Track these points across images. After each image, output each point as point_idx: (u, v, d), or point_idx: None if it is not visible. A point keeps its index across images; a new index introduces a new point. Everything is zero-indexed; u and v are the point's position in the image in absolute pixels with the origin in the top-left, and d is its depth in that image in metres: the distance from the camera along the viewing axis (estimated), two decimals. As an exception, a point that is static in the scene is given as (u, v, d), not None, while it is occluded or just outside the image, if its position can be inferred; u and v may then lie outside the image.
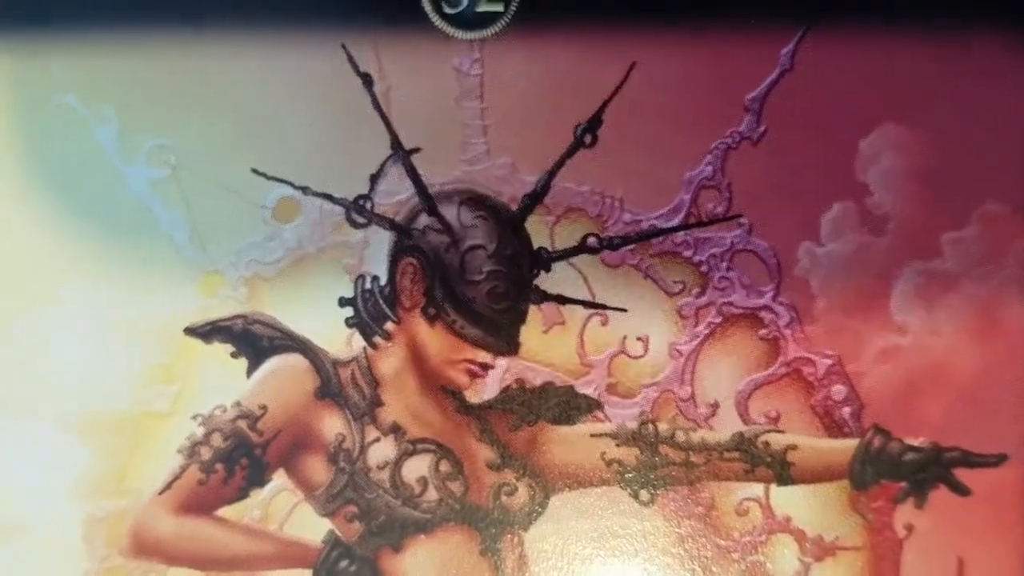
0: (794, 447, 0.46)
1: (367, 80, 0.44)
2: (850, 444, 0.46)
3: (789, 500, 0.47)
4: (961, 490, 0.46)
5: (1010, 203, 0.45)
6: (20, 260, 0.46)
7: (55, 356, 0.46)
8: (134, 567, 0.47)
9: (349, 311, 0.47)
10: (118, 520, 0.47)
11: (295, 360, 0.47)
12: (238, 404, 0.46)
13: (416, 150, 0.45)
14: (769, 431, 0.46)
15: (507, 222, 0.46)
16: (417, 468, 0.46)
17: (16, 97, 0.45)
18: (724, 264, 0.46)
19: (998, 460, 0.46)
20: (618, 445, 0.47)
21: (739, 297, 0.46)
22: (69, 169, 0.45)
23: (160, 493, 0.46)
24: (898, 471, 0.46)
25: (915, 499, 0.46)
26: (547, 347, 0.47)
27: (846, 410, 0.46)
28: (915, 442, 0.46)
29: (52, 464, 0.47)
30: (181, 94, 0.45)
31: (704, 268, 0.46)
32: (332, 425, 0.47)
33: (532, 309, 0.47)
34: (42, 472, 0.47)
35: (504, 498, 0.47)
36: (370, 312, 0.47)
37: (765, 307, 0.46)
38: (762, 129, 0.45)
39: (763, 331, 0.46)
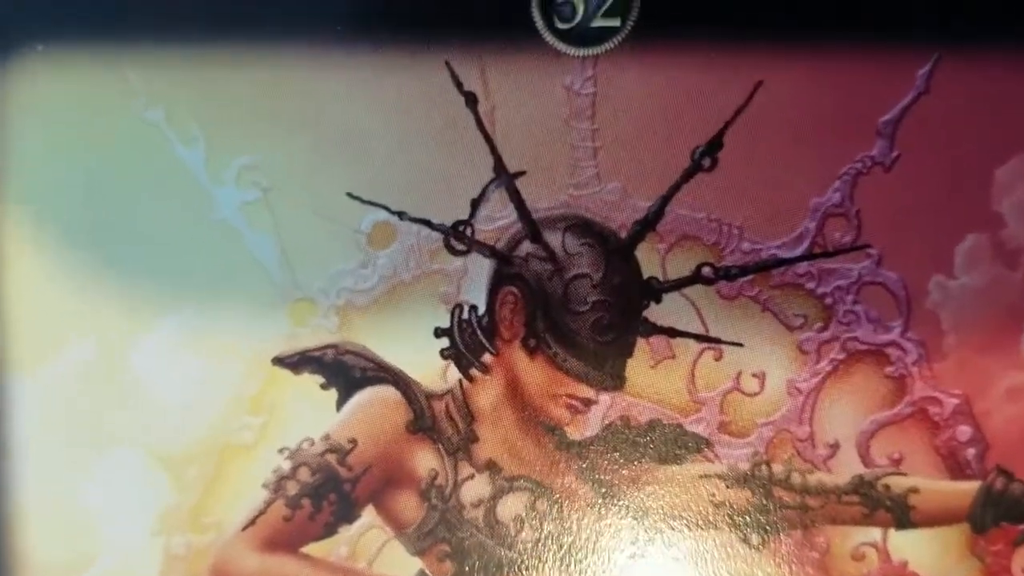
0: (916, 490, 0.44)
1: (471, 99, 0.42)
2: (972, 487, 0.44)
3: (906, 544, 0.45)
4: None
5: None
6: (106, 288, 0.44)
7: (138, 385, 0.45)
8: None
9: (444, 342, 0.45)
10: (198, 556, 0.46)
11: (387, 392, 0.46)
12: (327, 437, 0.45)
13: (521, 173, 0.43)
14: (890, 474, 0.45)
15: (615, 250, 0.44)
16: (513, 507, 0.45)
17: (98, 112, 0.43)
18: (850, 297, 0.44)
19: None
20: (728, 487, 0.45)
21: (865, 332, 0.44)
22: (154, 190, 0.43)
23: (244, 529, 0.45)
24: (1019, 514, 0.45)
25: None
26: (655, 382, 0.45)
27: (970, 451, 0.44)
28: None
29: (133, 495, 0.46)
30: (272, 112, 0.42)
31: (828, 301, 0.44)
32: (424, 460, 0.46)
33: (640, 342, 0.45)
34: (123, 503, 0.46)
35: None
36: (467, 343, 0.45)
37: (892, 343, 0.44)
38: (895, 155, 0.42)
39: (889, 368, 0.44)
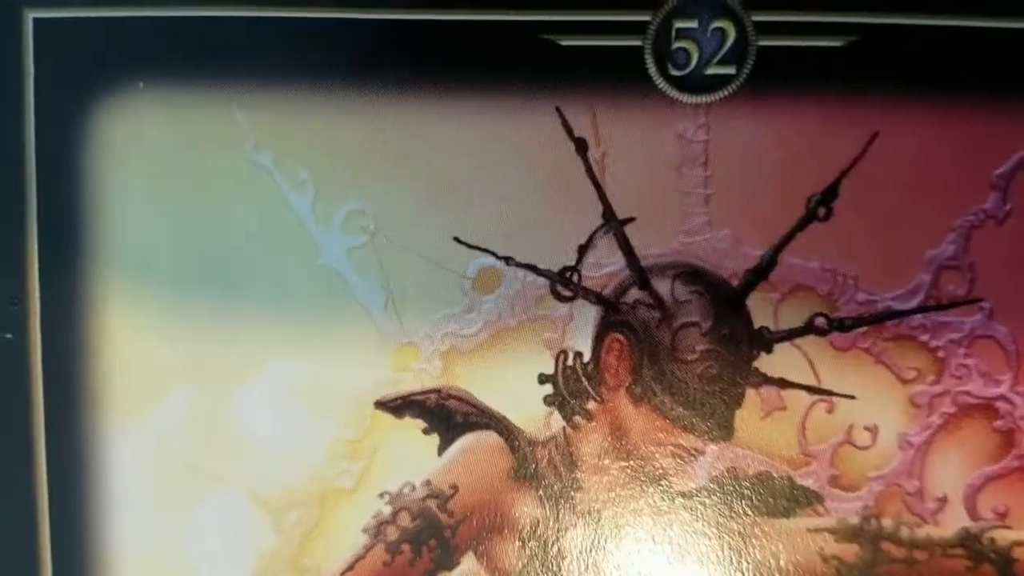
0: (1020, 544, 0.43)
1: (581, 145, 0.42)
2: None
3: None
4: None
5: None
6: (212, 334, 0.43)
7: (241, 430, 0.44)
8: None
9: (548, 388, 0.44)
10: None
11: (490, 438, 0.45)
12: (428, 483, 0.44)
13: (631, 220, 0.42)
14: (997, 527, 0.43)
15: (726, 299, 0.43)
16: (617, 557, 0.43)
17: (203, 153, 0.43)
18: (962, 350, 0.43)
19: None
20: (837, 541, 0.44)
21: (976, 386, 0.43)
22: (259, 234, 0.43)
23: (343, 574, 0.44)
24: None
25: None
26: (764, 434, 0.44)
27: None
28: None
29: (232, 540, 0.45)
30: (379, 157, 0.42)
31: (941, 354, 0.43)
32: (526, 508, 0.44)
33: (750, 392, 0.44)
34: (222, 548, 0.45)
35: None
36: (571, 390, 0.44)
37: (1002, 397, 0.43)
38: (1008, 208, 0.41)
39: (999, 423, 0.43)
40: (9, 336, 0.43)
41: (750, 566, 0.43)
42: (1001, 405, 0.43)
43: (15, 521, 0.44)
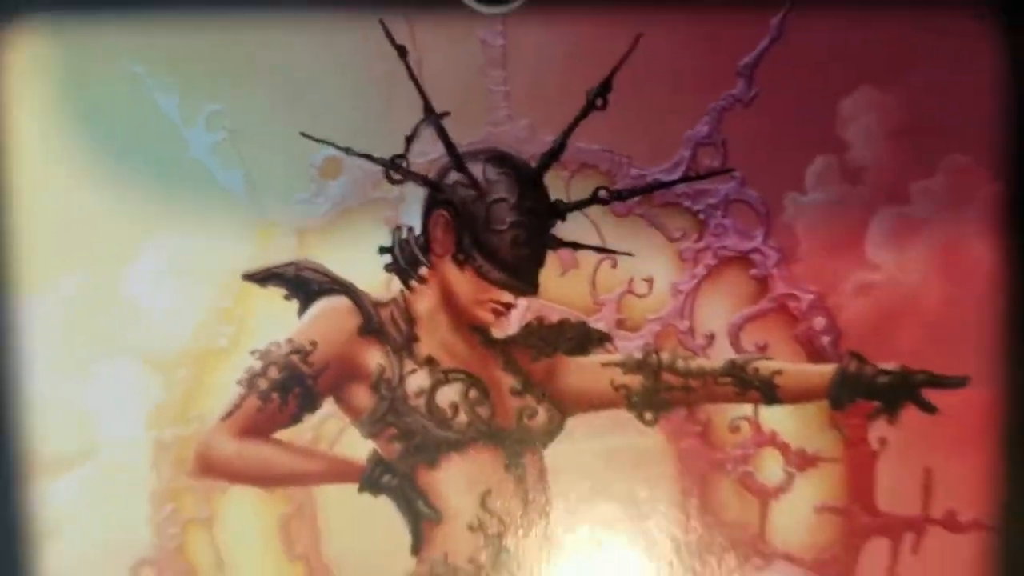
0: (780, 372, 0.50)
1: (402, 52, 0.48)
2: (829, 369, 0.50)
3: (775, 418, 0.51)
4: (929, 408, 0.50)
5: (972, 155, 0.49)
6: (100, 220, 0.50)
7: (133, 301, 0.50)
8: (198, 486, 0.51)
9: (388, 258, 0.51)
10: (185, 445, 0.51)
11: (340, 302, 0.51)
12: (291, 341, 0.50)
13: (446, 114, 0.49)
14: (758, 358, 0.51)
15: (527, 178, 0.49)
16: (449, 395, 0.50)
17: (84, 70, 0.49)
18: (719, 212, 0.50)
19: (961, 382, 0.50)
20: (625, 373, 0.51)
21: (733, 241, 0.50)
22: (135, 136, 0.49)
23: (223, 419, 0.50)
24: (871, 392, 0.50)
25: (887, 416, 0.50)
26: (563, 288, 0.51)
27: (826, 339, 0.50)
28: (887, 366, 0.50)
29: (127, 395, 0.51)
30: (236, 65, 0.48)
31: (702, 216, 0.50)
32: (374, 358, 0.50)
33: (550, 255, 0.50)
34: (118, 402, 0.51)
35: (526, 420, 0.51)
36: (406, 259, 0.50)
37: (755, 250, 0.50)
38: (753, 92, 0.49)
39: (754, 271, 0.50)
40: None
41: (554, 396, 0.51)
42: (755, 256, 0.50)
43: None
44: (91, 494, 0.51)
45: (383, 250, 0.51)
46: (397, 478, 0.50)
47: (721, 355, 0.51)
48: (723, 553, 0.51)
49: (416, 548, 0.51)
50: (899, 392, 0.50)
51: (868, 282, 0.50)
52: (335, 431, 0.51)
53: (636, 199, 0.50)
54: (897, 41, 0.48)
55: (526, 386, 0.51)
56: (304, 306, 0.51)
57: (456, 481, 0.51)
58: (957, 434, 0.50)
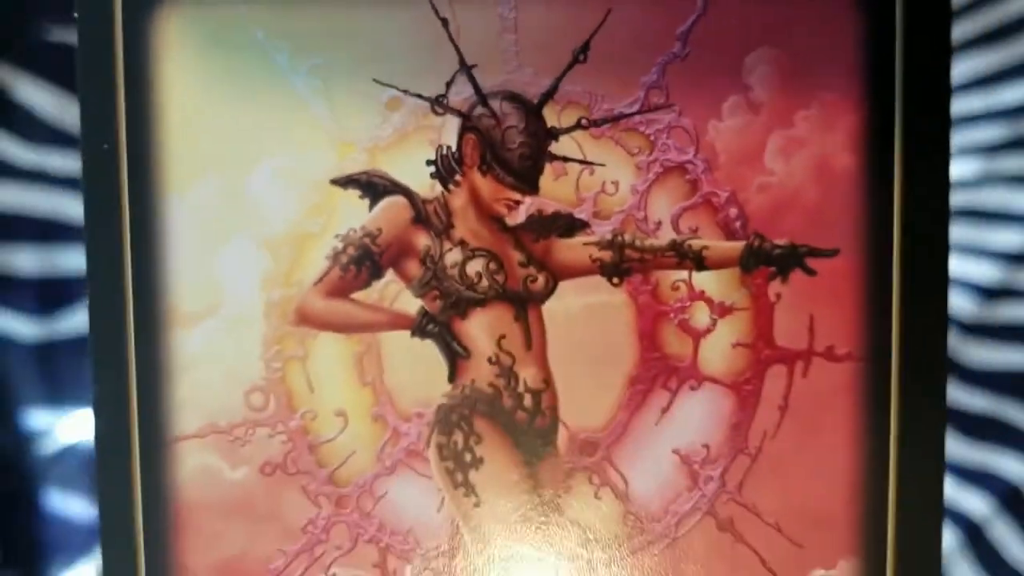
0: (706, 247, 0.58)
1: (445, 23, 0.56)
2: (740, 244, 0.58)
3: (704, 280, 0.59)
4: (810, 272, 0.58)
5: (839, 92, 0.56)
6: (230, 139, 0.58)
7: (253, 199, 0.58)
8: (296, 332, 0.59)
9: (432, 169, 0.58)
10: (287, 303, 0.59)
11: (399, 199, 0.58)
12: (363, 227, 0.58)
13: (474, 66, 0.57)
14: (691, 238, 0.58)
15: (531, 111, 0.57)
16: (475, 267, 0.58)
17: (220, 35, 0.57)
18: (664, 135, 0.58)
19: (833, 253, 0.57)
20: (599, 249, 0.59)
21: (673, 155, 0.58)
22: (257, 82, 0.57)
23: (314, 285, 0.58)
24: (769, 260, 0.57)
25: (780, 278, 0.58)
26: (556, 189, 0.59)
27: (737, 224, 0.58)
28: (780, 242, 0.57)
29: (245, 267, 0.59)
30: (330, 31, 0.56)
31: (652, 138, 0.58)
32: (422, 240, 0.58)
33: (548, 165, 0.58)
34: (239, 272, 0.59)
35: (529, 284, 0.59)
36: (445, 169, 0.58)
37: (689, 162, 0.59)
38: (687, 51, 0.57)
39: (688, 176, 0.58)
40: (106, 146, 0.60)
41: (549, 266, 0.59)
42: (689, 166, 0.58)
43: (105, 254, 0.58)
44: (217, 339, 0.59)
45: (429, 162, 0.58)
46: (438, 326, 0.58)
47: (666, 236, 0.58)
48: (669, 375, 0.60)
49: (452, 377, 0.59)
50: (789, 260, 0.57)
51: (766, 183, 0.58)
52: (394, 293, 0.59)
53: (607, 126, 0.57)
54: (785, 9, 0.55)
55: (529, 260, 0.59)
56: (373, 203, 0.58)
57: (480, 328, 0.59)
58: (831, 290, 0.57)
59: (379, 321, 0.59)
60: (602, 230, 0.59)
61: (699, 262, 0.59)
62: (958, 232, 0.75)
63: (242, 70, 0.58)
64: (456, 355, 0.58)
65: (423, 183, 0.59)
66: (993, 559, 0.72)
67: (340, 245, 0.58)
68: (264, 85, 0.57)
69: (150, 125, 0.58)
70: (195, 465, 0.59)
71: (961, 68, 0.73)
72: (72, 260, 0.77)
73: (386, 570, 0.61)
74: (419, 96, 0.58)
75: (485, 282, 0.58)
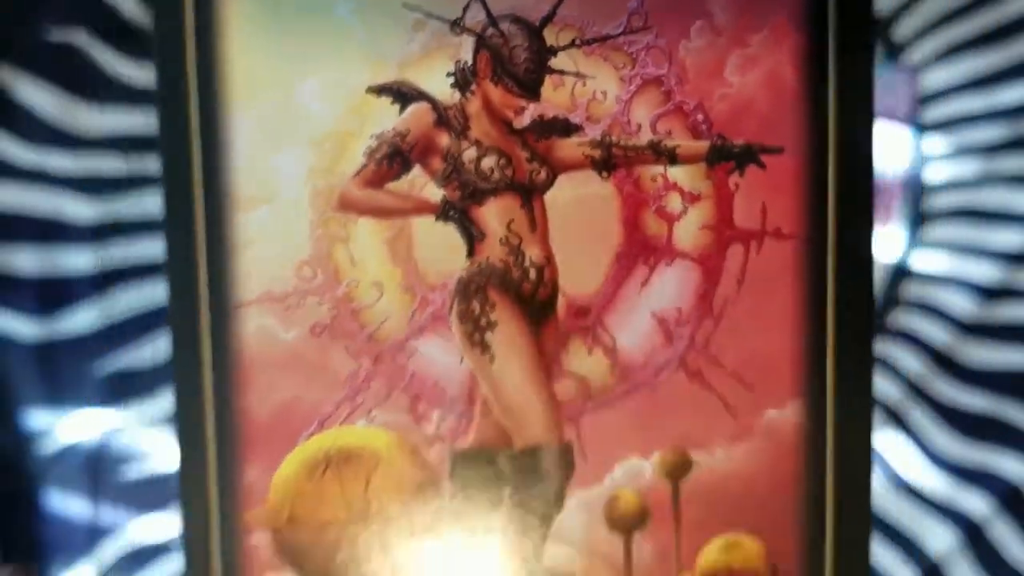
0: (678, 146, 0.66)
1: None
2: (705, 144, 0.66)
3: (677, 173, 0.67)
4: (761, 164, 0.66)
5: (785, 15, 0.65)
6: (283, 57, 0.65)
7: (303, 106, 0.66)
8: (339, 217, 0.67)
9: (452, 79, 0.66)
10: (331, 192, 0.66)
11: (424, 105, 0.66)
12: (395, 128, 0.66)
13: None
14: (666, 139, 0.66)
15: (534, 31, 0.65)
16: (488, 162, 0.66)
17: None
18: (643, 53, 0.65)
19: (780, 149, 0.66)
20: (591, 148, 0.67)
21: (651, 70, 0.66)
22: (307, 9, 0.66)
23: (354, 176, 0.66)
24: (729, 156, 0.66)
25: (738, 171, 0.66)
26: (555, 96, 0.67)
27: (704, 127, 0.66)
28: (737, 142, 0.66)
29: (295, 162, 0.66)
30: None
31: (634, 55, 0.66)
32: (444, 140, 0.66)
33: (548, 77, 0.66)
34: (290, 165, 0.66)
35: (533, 177, 0.67)
36: (463, 79, 0.66)
37: (664, 75, 0.66)
38: None
39: (663, 88, 0.66)
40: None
41: (550, 161, 0.67)
42: (664, 79, 0.65)
43: (178, 154, 0.65)
44: (272, 221, 0.66)
45: (450, 74, 0.66)
46: (458, 212, 0.66)
47: (645, 137, 0.66)
48: (649, 252, 0.70)
49: (470, 254, 0.67)
50: (745, 157, 0.66)
51: (726, 94, 0.66)
52: (421, 184, 0.67)
53: (596, 45, 0.65)
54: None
55: (533, 156, 0.67)
56: (402, 108, 0.66)
57: (493, 214, 0.66)
58: (779, 181, 0.66)
59: (408, 207, 0.67)
60: (593, 132, 0.67)
61: (672, 158, 0.67)
62: (958, 232, 0.74)
63: (295, 4, 0.65)
64: (473, 236, 0.67)
65: (444, 92, 0.67)
66: (993, 559, 0.72)
67: (375, 143, 0.66)
68: (311, 12, 0.65)
69: (216, 48, 0.65)
70: (255, 327, 0.67)
71: (961, 68, 0.73)
72: (72, 260, 0.73)
73: (416, 414, 0.70)
74: (440, 19, 0.65)
75: (497, 175, 0.66)
